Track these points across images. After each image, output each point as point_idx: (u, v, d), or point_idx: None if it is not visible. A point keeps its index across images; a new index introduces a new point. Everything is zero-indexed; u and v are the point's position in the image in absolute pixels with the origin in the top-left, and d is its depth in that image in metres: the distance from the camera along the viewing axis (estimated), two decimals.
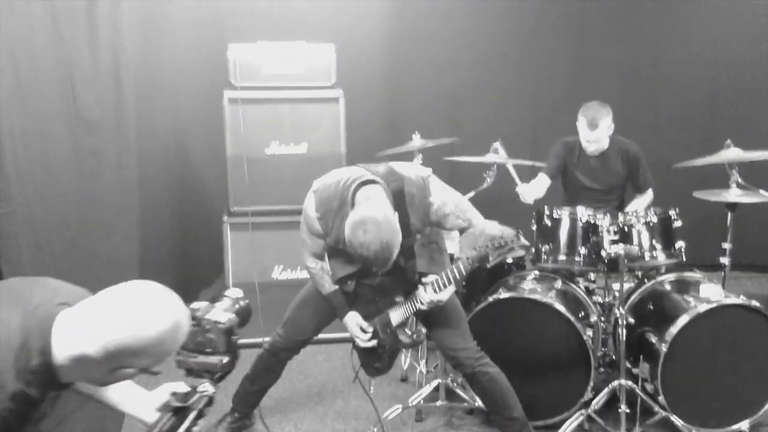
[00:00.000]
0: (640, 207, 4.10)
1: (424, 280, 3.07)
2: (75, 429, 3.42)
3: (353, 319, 3.21)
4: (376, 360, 3.26)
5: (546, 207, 3.87)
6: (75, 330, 1.67)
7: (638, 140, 4.44)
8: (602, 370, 3.84)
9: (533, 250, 3.88)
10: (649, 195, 4.35)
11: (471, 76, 5.42)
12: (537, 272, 3.93)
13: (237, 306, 2.03)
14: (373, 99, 5.32)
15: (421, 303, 3.06)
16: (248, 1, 5.01)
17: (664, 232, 3.70)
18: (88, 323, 1.67)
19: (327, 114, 4.47)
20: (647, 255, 3.66)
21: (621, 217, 3.70)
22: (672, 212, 3.73)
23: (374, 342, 3.19)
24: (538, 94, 5.47)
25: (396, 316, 3.16)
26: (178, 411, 1.91)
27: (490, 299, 3.59)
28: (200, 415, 1.92)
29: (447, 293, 3.06)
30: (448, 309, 3.23)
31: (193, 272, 5.00)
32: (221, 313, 1.96)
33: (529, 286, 3.73)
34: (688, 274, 3.85)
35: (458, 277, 2.99)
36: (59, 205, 3.71)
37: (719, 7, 5.45)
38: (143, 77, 4.41)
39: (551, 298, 3.57)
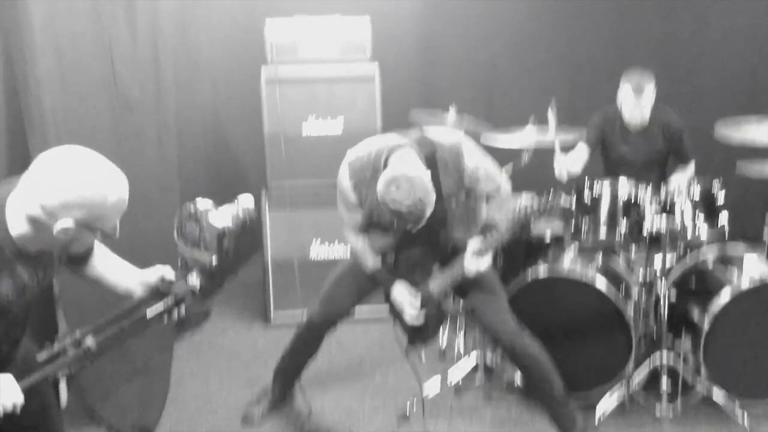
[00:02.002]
0: (683, 180, 4.03)
1: (469, 247, 3.07)
2: (119, 403, 3.53)
3: (402, 291, 3.21)
4: (422, 330, 3.27)
5: (586, 179, 3.82)
6: (18, 203, 1.88)
7: (679, 107, 4.34)
8: (643, 345, 3.81)
9: (573, 223, 3.83)
10: (691, 167, 4.28)
11: (507, 48, 5.34)
12: (577, 247, 3.89)
13: (240, 215, 2.14)
14: (409, 71, 5.28)
15: (466, 272, 3.06)
16: None
17: (707, 206, 3.64)
18: (25, 193, 1.86)
19: (363, 90, 4.46)
20: (689, 230, 3.61)
21: (663, 192, 3.65)
22: (715, 184, 3.67)
23: (421, 319, 3.20)
24: (575, 66, 5.37)
25: (436, 285, 3.16)
26: (160, 294, 2.09)
27: (529, 279, 3.57)
28: (178, 303, 2.09)
29: (486, 261, 3.08)
30: (488, 283, 3.24)
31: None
32: (222, 217, 2.09)
33: (569, 262, 3.70)
34: (730, 249, 3.79)
35: (497, 245, 3.00)
36: None
37: None
38: (181, 55, 4.43)
39: (591, 275, 3.54)
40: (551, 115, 3.95)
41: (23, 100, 3.25)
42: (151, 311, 2.04)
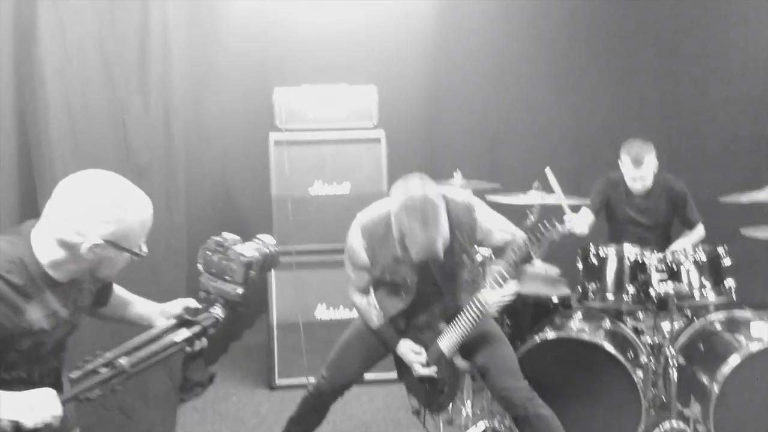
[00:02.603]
0: (689, 244, 4.05)
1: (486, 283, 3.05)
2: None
3: (407, 346, 3.18)
4: (437, 395, 3.22)
5: (591, 245, 3.85)
6: (46, 230, 1.93)
7: (683, 177, 4.40)
8: (653, 411, 3.76)
9: (579, 287, 3.84)
10: (699, 230, 4.28)
11: (510, 115, 5.44)
12: (584, 311, 3.88)
13: (265, 249, 2.17)
14: (415, 138, 5.37)
15: (488, 308, 3.03)
16: (293, 46, 5.12)
17: (714, 270, 3.66)
18: (53, 218, 1.92)
19: (369, 154, 4.54)
20: (697, 293, 3.62)
21: (669, 255, 3.66)
22: (721, 250, 3.69)
23: (433, 369, 3.16)
24: (578, 132, 5.46)
25: (446, 343, 3.13)
26: (185, 323, 2.07)
27: (537, 340, 3.55)
28: (204, 332, 2.08)
29: (510, 288, 3.05)
30: (497, 347, 3.21)
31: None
32: (248, 249, 2.12)
33: (577, 326, 3.69)
34: (738, 313, 3.77)
35: (507, 277, 2.99)
36: None
37: (765, 45, 5.41)
38: (191, 120, 4.52)
39: (600, 338, 3.52)
40: (551, 177, 3.99)
41: (35, 162, 3.31)
42: (178, 336, 2.04)
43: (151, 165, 3.96)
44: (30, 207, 3.26)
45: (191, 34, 4.53)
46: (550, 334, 3.57)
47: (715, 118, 5.41)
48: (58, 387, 1.99)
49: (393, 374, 3.41)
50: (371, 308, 3.22)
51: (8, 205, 3.16)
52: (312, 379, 3.46)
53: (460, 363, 3.17)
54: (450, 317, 3.14)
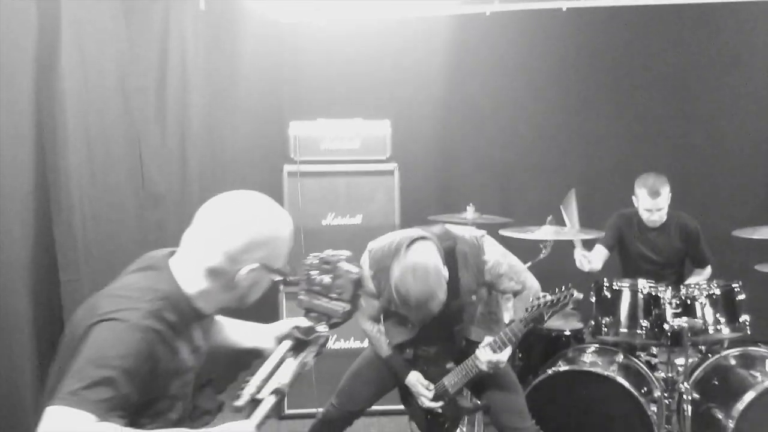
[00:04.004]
0: (700, 280, 4.03)
1: (484, 340, 3.04)
2: None
3: (416, 378, 3.16)
4: (439, 427, 3.20)
5: (605, 279, 3.83)
6: (191, 259, 1.83)
7: (696, 213, 4.39)
8: None
9: (592, 321, 3.82)
10: (708, 271, 4.28)
11: (524, 149, 5.46)
12: (597, 345, 3.85)
13: (355, 275, 2.10)
14: (428, 171, 5.39)
15: (480, 366, 3.02)
16: (308, 81, 5.19)
17: (728, 305, 3.63)
18: (198, 247, 1.83)
19: (382, 186, 4.56)
20: (711, 328, 3.59)
21: (683, 290, 3.65)
22: (735, 285, 3.66)
23: (440, 403, 3.14)
24: (591, 168, 5.47)
25: (451, 382, 3.12)
26: (299, 343, 1.98)
27: (549, 372, 3.52)
28: (318, 352, 2.01)
29: (506, 354, 3.01)
30: (505, 381, 3.18)
31: None
32: (353, 266, 2.04)
33: (590, 359, 3.67)
34: (753, 349, 3.73)
35: (514, 339, 2.97)
36: None
37: None
38: (207, 151, 4.58)
39: (613, 372, 3.49)
40: (573, 201, 3.99)
41: (53, 189, 3.36)
42: (303, 356, 1.97)
43: (167, 194, 4.01)
44: (45, 232, 3.30)
45: (208, 68, 4.62)
46: (562, 367, 3.54)
47: (727, 155, 5.40)
48: (197, 421, 1.93)
49: (401, 406, 3.38)
50: (381, 336, 3.21)
51: (24, 228, 3.20)
52: (321, 409, 3.44)
53: (464, 402, 3.17)
54: (457, 355, 3.13)
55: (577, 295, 2.94)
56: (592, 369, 3.53)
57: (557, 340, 4.01)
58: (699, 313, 3.60)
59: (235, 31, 4.93)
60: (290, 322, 2.12)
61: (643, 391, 3.53)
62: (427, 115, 5.39)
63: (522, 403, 3.19)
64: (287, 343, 2.00)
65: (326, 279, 2.00)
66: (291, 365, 1.93)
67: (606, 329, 3.75)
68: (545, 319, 2.93)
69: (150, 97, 4.06)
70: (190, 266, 1.83)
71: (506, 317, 3.37)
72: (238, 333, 2.22)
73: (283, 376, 1.88)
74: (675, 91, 5.42)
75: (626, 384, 3.42)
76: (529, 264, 3.97)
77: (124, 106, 3.87)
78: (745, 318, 3.63)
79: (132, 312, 1.70)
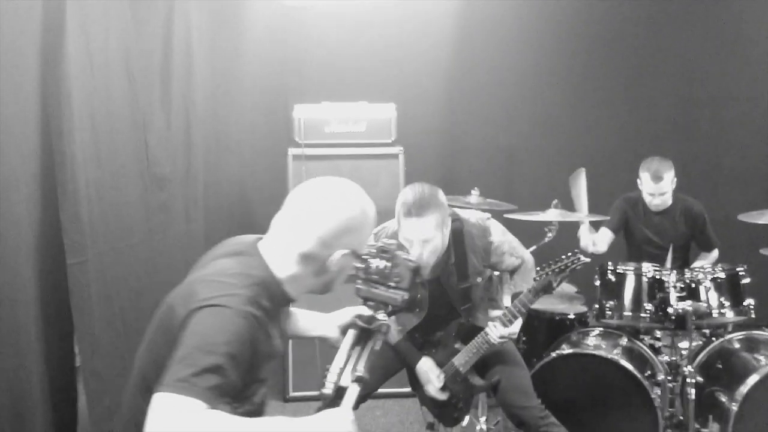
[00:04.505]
0: (706, 264, 4.03)
1: (491, 315, 3.06)
2: None
3: (427, 365, 3.18)
4: (452, 410, 3.22)
5: (610, 262, 3.83)
6: (282, 244, 1.85)
7: (701, 196, 4.39)
8: (670, 431, 3.71)
9: (597, 305, 3.82)
10: (714, 254, 4.28)
11: (529, 132, 5.46)
12: (601, 329, 3.86)
13: (413, 263, 2.10)
14: (432, 155, 5.39)
15: (491, 341, 3.03)
16: (313, 65, 5.18)
17: (733, 289, 3.63)
18: (290, 232, 1.85)
19: (387, 170, 4.56)
20: (715, 312, 3.59)
21: (688, 273, 3.64)
22: (740, 268, 3.66)
23: (446, 394, 3.16)
24: (596, 151, 5.45)
25: (461, 361, 3.13)
26: (363, 331, 1.99)
27: (553, 355, 3.54)
28: (382, 339, 2.02)
29: (516, 326, 3.04)
30: (511, 361, 3.21)
31: None
32: (409, 255, 2.05)
33: (593, 343, 3.68)
34: (757, 333, 3.74)
35: (523, 309, 2.98)
36: (129, 257, 3.82)
37: None
38: (212, 134, 4.58)
39: (617, 355, 3.51)
40: (582, 184, 3.99)
41: (58, 173, 3.36)
42: (372, 344, 1.99)
43: (171, 177, 4.01)
44: (51, 215, 3.31)
45: (213, 51, 4.60)
46: (566, 350, 3.55)
47: (733, 139, 5.39)
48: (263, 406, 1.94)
49: (407, 388, 3.40)
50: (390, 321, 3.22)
51: (30, 212, 3.20)
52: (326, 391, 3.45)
53: (476, 380, 3.17)
54: (465, 336, 3.15)
55: (584, 259, 2.95)
56: (596, 352, 3.54)
57: (561, 323, 4.03)
58: (703, 297, 3.60)
59: (240, 14, 4.91)
60: (351, 310, 2.15)
61: (646, 374, 3.54)
62: (432, 98, 5.38)
63: (528, 381, 3.22)
64: (352, 333, 2.01)
65: (385, 267, 1.99)
66: (364, 353, 1.95)
67: (610, 313, 3.75)
68: (554, 286, 2.95)
69: (155, 80, 4.05)
70: (281, 251, 1.86)
71: (506, 301, 3.40)
72: (306, 321, 2.25)
73: (360, 364, 1.90)
74: (681, 75, 5.40)
75: (630, 367, 3.43)
76: (534, 247, 3.98)
77: (129, 89, 3.86)
78: (749, 302, 3.63)
79: (233, 298, 1.71)
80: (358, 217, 1.89)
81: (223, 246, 1.96)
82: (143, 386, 1.81)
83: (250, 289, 1.75)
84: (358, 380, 1.86)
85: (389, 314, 2.02)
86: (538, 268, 3.03)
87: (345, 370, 1.88)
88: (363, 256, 1.95)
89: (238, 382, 1.67)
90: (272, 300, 1.81)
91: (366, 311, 2.03)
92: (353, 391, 1.84)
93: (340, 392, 1.83)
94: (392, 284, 1.98)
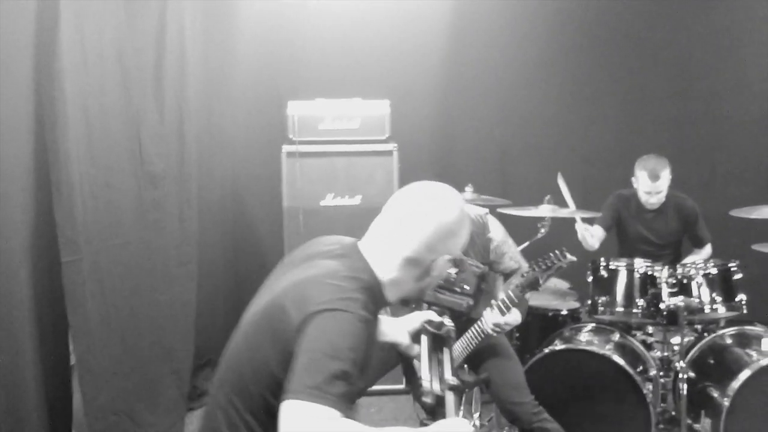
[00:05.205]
0: (698, 260, 4.05)
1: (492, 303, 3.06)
2: None
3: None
4: (443, 404, 3.22)
5: (602, 258, 3.85)
6: (385, 248, 1.83)
7: (694, 194, 4.41)
8: (662, 426, 3.74)
9: (589, 301, 3.84)
10: (707, 250, 4.29)
11: (522, 129, 5.47)
12: (593, 324, 3.88)
13: (479, 269, 2.10)
14: (426, 151, 5.40)
15: (486, 329, 3.01)
16: (307, 61, 5.18)
17: (725, 285, 3.65)
18: (394, 236, 1.83)
19: (381, 167, 4.56)
20: (707, 307, 3.61)
21: (680, 269, 3.66)
22: (732, 264, 3.68)
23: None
24: (589, 147, 5.47)
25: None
26: (433, 337, 2.00)
27: (546, 350, 3.56)
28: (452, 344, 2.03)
29: (513, 317, 3.02)
30: (504, 355, 3.22)
31: None
32: (475, 262, 2.03)
33: (586, 338, 3.70)
34: (749, 328, 3.76)
35: (511, 305, 2.98)
36: (123, 254, 3.82)
37: None
38: (205, 131, 4.58)
39: (609, 351, 3.52)
40: (562, 184, 4.00)
41: (52, 169, 3.36)
42: (447, 350, 2.00)
43: (165, 174, 4.01)
44: (45, 212, 3.31)
45: (207, 47, 4.60)
46: (558, 346, 3.57)
47: (726, 134, 5.41)
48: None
49: (401, 385, 3.41)
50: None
51: (24, 209, 3.20)
52: None
53: (465, 376, 3.19)
54: (460, 331, 3.15)
55: (571, 257, 2.95)
56: (588, 348, 3.56)
57: (554, 319, 4.04)
58: (695, 293, 3.62)
59: (233, 10, 4.91)
60: (419, 316, 2.14)
61: (638, 369, 3.56)
62: (426, 95, 5.38)
63: (522, 377, 3.23)
64: (425, 339, 2.01)
65: (451, 274, 2.00)
66: (445, 361, 1.97)
67: (602, 308, 3.77)
68: (541, 283, 2.94)
69: (148, 78, 4.04)
70: (385, 255, 1.84)
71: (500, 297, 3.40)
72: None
73: (446, 374, 1.93)
74: (674, 71, 5.41)
75: (622, 363, 3.45)
76: (527, 243, 4.00)
77: (122, 85, 3.86)
78: (741, 297, 3.65)
79: (351, 302, 1.68)
80: (460, 222, 1.88)
81: (315, 245, 1.95)
82: (239, 386, 1.79)
83: (362, 293, 1.73)
84: (453, 389, 1.89)
85: (453, 319, 2.05)
86: (527, 265, 3.03)
87: (433, 377, 1.89)
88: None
89: (361, 389, 1.68)
90: (376, 304, 1.80)
91: (434, 317, 2.03)
92: (450, 399, 1.87)
93: (439, 401, 1.86)
94: (458, 290, 1.98)
